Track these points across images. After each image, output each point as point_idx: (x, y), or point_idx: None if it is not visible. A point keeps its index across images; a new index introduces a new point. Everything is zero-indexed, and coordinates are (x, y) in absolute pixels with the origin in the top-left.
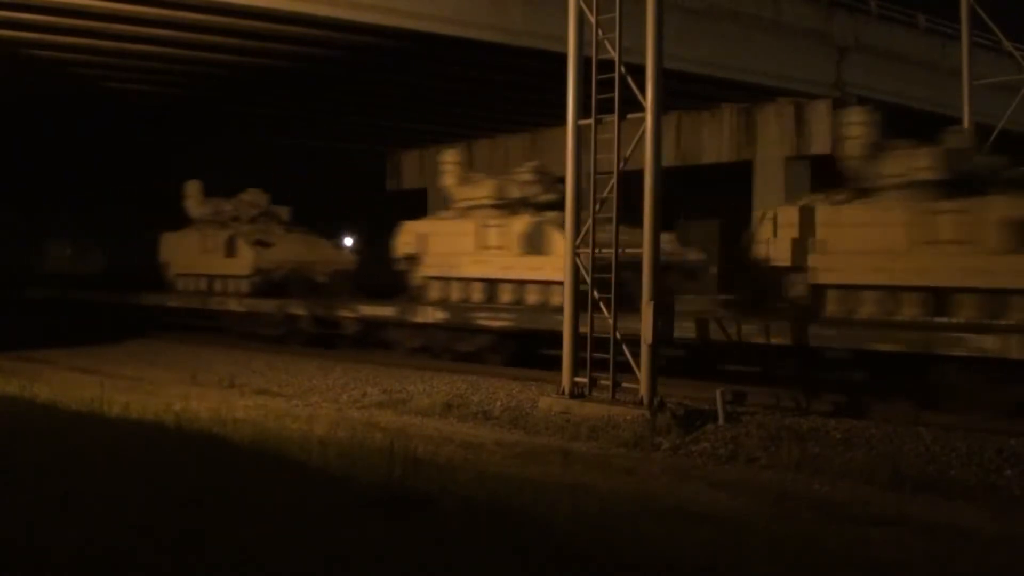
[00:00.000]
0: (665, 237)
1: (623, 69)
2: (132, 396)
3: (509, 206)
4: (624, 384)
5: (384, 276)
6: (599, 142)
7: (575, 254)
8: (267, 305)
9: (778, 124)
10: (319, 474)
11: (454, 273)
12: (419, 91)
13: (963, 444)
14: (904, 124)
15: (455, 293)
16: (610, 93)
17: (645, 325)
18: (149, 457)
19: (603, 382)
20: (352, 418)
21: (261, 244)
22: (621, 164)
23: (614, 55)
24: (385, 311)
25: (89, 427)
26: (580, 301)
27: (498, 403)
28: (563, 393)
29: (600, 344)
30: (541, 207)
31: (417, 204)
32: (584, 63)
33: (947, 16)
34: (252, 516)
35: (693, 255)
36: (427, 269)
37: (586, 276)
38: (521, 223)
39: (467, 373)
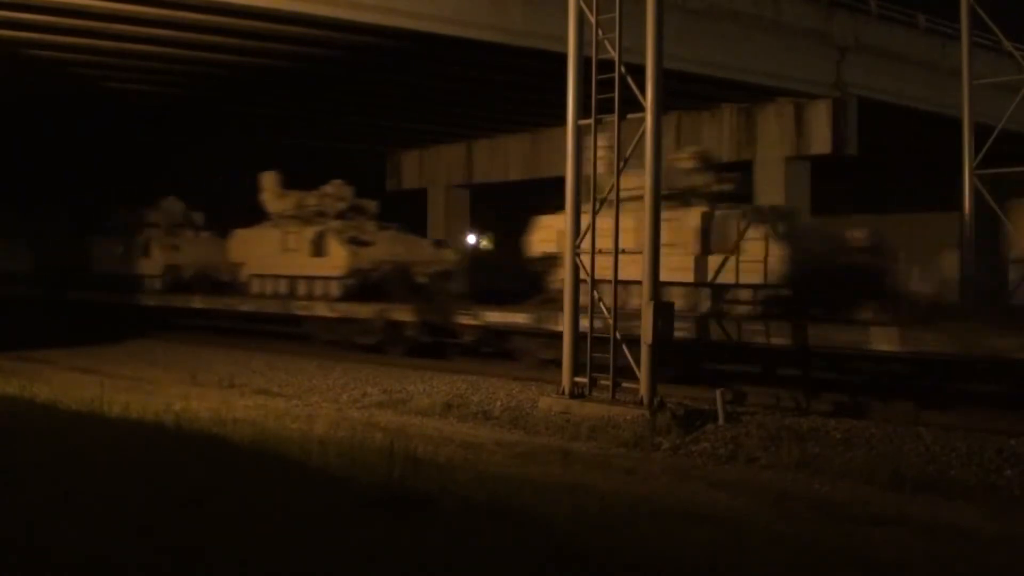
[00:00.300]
0: (857, 234)
1: (623, 69)
2: (132, 396)
3: (674, 197)
4: (624, 384)
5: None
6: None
7: (575, 254)
8: (365, 310)
9: (778, 124)
10: (319, 474)
11: (608, 275)
12: (419, 91)
13: (963, 444)
14: (904, 124)
15: (608, 298)
16: (610, 93)
17: (645, 325)
18: (149, 457)
19: (603, 382)
20: (352, 418)
21: (356, 242)
22: (621, 164)
23: (614, 55)
24: (516, 318)
25: (89, 427)
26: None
27: (498, 403)
28: (563, 393)
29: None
30: (714, 198)
31: (417, 204)
32: (584, 63)
33: (947, 16)
34: (252, 516)
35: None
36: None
37: (586, 276)
38: (696, 217)
39: (467, 373)
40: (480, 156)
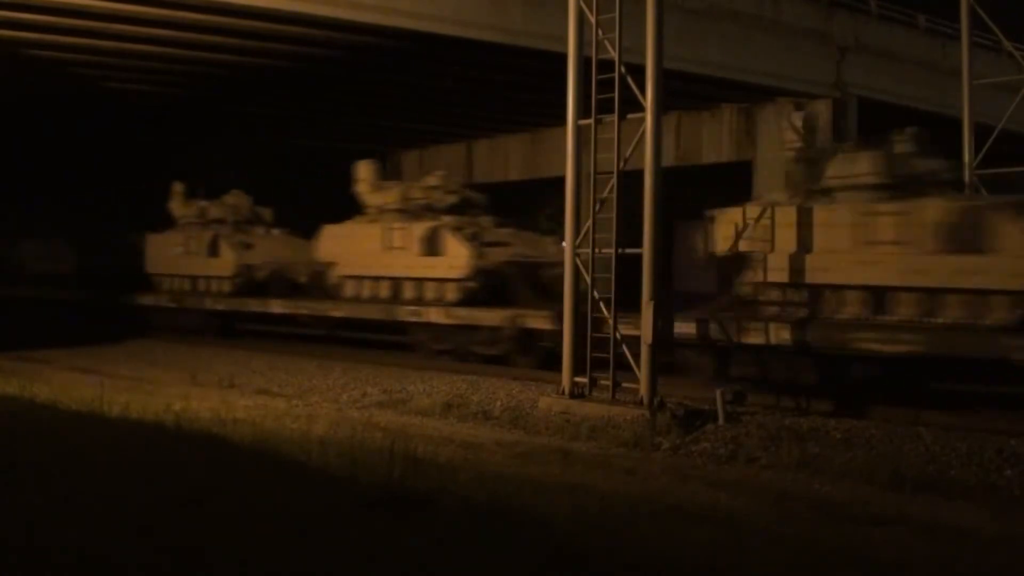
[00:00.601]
0: None
1: (623, 69)
2: (132, 396)
3: (894, 187)
4: (624, 384)
5: None
6: (599, 142)
7: (575, 254)
8: (492, 316)
9: (778, 124)
10: (319, 474)
11: (817, 278)
12: (419, 91)
13: (963, 444)
14: (904, 124)
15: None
16: (610, 93)
17: (645, 325)
18: (149, 457)
19: (603, 382)
20: (352, 418)
21: (478, 240)
22: (621, 164)
23: (614, 55)
24: (689, 328)
25: (89, 427)
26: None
27: (498, 403)
28: (563, 393)
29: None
30: (944, 187)
31: None
32: (584, 63)
33: (947, 16)
34: (252, 516)
35: None
36: (770, 272)
37: (586, 276)
38: (934, 209)
39: (467, 373)
40: (480, 156)
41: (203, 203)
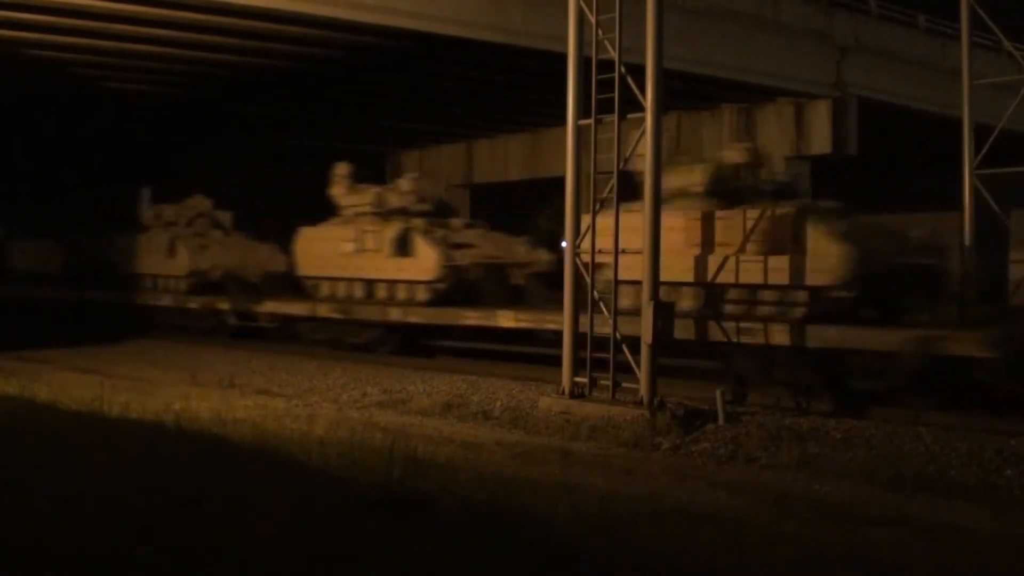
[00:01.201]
0: None
1: (623, 69)
2: (132, 396)
3: None
4: (624, 384)
5: None
6: (599, 142)
7: (575, 254)
8: (882, 339)
9: (778, 124)
10: (319, 474)
11: None
12: (419, 91)
13: (963, 444)
14: (904, 124)
15: None
16: (610, 93)
17: (645, 325)
18: (149, 457)
19: (603, 382)
20: (352, 418)
21: (855, 235)
22: (621, 164)
23: (614, 55)
24: None
25: (89, 427)
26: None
27: (498, 403)
28: (563, 393)
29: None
30: None
31: None
32: (584, 63)
33: (947, 16)
34: (252, 516)
35: None
36: None
37: (586, 276)
38: None
39: (467, 373)
40: (480, 156)
41: (378, 189)
